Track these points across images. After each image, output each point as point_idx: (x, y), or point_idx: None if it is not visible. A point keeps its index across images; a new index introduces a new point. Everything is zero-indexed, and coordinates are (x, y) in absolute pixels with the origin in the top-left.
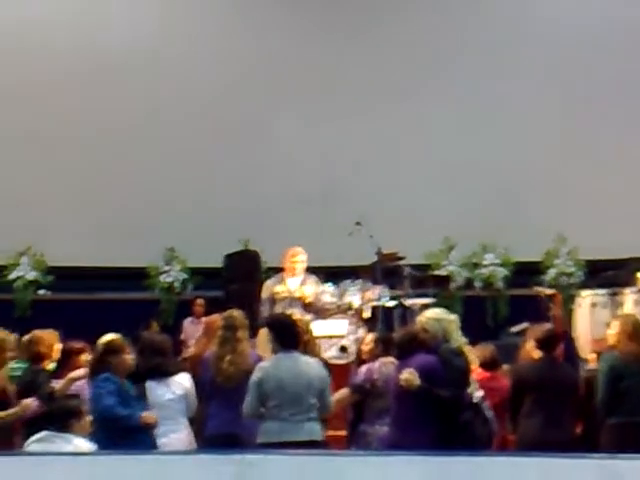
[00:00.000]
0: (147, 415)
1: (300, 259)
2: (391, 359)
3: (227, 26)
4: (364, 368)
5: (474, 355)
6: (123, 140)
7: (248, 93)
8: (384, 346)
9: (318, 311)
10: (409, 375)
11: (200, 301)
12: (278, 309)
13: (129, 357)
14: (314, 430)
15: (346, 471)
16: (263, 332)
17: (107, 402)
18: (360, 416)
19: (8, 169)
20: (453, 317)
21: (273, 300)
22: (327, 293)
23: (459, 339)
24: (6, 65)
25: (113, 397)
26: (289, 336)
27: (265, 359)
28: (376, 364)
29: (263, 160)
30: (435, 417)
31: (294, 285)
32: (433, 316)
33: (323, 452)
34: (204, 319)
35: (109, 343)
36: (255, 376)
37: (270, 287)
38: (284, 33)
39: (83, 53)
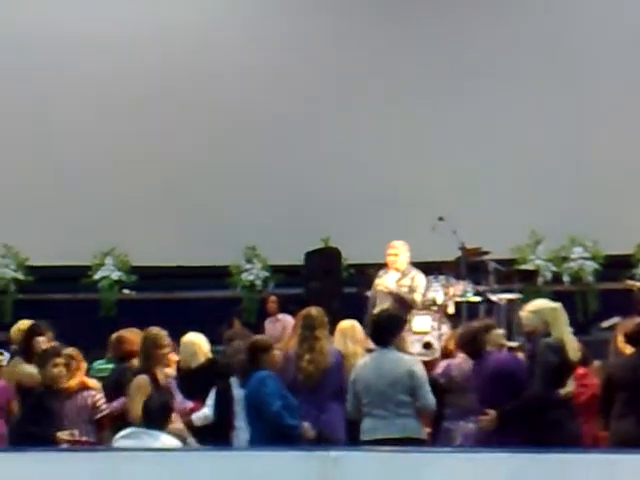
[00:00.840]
0: (306, 428)
1: (392, 252)
2: None
3: (299, 28)
4: (444, 363)
5: (576, 344)
6: (204, 142)
7: (323, 91)
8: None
9: (407, 305)
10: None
11: (273, 298)
12: (375, 303)
13: (278, 353)
14: (408, 427)
15: (430, 468)
16: (341, 328)
17: (276, 407)
18: (441, 413)
19: (93, 171)
20: (555, 305)
21: (375, 294)
22: (419, 292)
23: (562, 329)
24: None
25: (278, 400)
26: (381, 332)
27: (352, 357)
28: (456, 360)
29: (344, 157)
30: (523, 416)
31: (391, 279)
32: (532, 308)
33: (409, 449)
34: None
35: (258, 341)
36: (351, 375)
37: (375, 281)
38: (359, 37)
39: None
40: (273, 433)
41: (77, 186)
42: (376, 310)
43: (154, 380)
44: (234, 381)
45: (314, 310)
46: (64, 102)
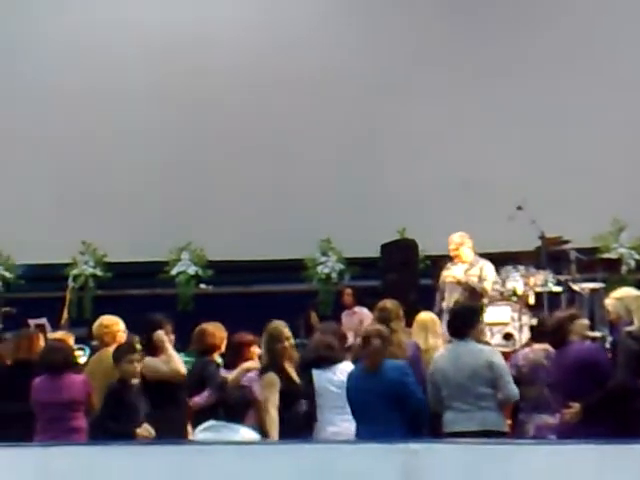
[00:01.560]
0: None
1: (452, 247)
2: (545, 346)
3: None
4: (517, 354)
5: None
6: (283, 136)
7: (399, 81)
8: (538, 332)
9: (477, 296)
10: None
11: (349, 290)
12: (443, 295)
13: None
14: (488, 420)
15: (512, 460)
16: (420, 320)
17: (421, 395)
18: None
19: (169, 167)
20: (639, 293)
21: (443, 286)
22: (490, 280)
23: None
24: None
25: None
26: (458, 324)
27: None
28: (525, 350)
29: (418, 147)
30: (608, 407)
31: (459, 270)
32: (616, 295)
33: (491, 441)
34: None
35: (377, 330)
36: (429, 368)
37: (442, 273)
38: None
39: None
40: (411, 423)
41: (153, 183)
42: (448, 302)
43: (282, 374)
44: (318, 373)
45: (389, 303)
46: (141, 99)
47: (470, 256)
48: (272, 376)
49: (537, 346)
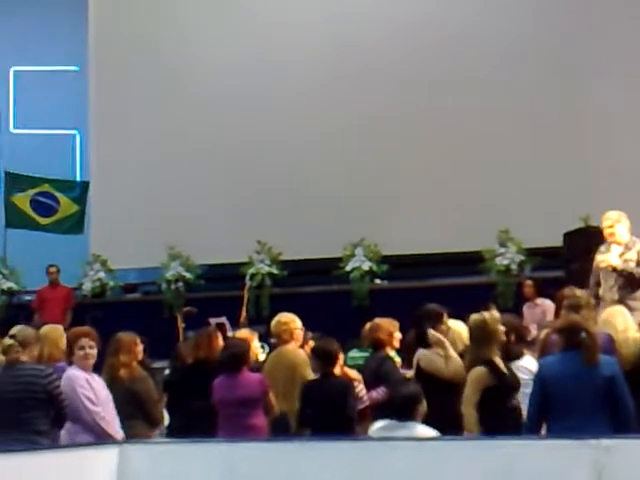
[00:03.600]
0: None
1: (607, 224)
2: None
3: None
4: None
5: None
6: (459, 133)
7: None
8: None
9: (637, 282)
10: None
11: (529, 282)
12: (597, 281)
13: None
14: None
15: None
16: (611, 312)
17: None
18: None
19: (339, 166)
20: None
21: (597, 271)
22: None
23: None
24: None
25: None
26: None
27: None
28: None
29: (585, 132)
30: None
31: (614, 254)
32: None
33: None
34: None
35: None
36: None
37: (596, 257)
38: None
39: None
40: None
41: (323, 180)
42: (604, 288)
43: (492, 367)
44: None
45: (579, 291)
46: (314, 101)
47: (626, 237)
48: (480, 371)
49: None
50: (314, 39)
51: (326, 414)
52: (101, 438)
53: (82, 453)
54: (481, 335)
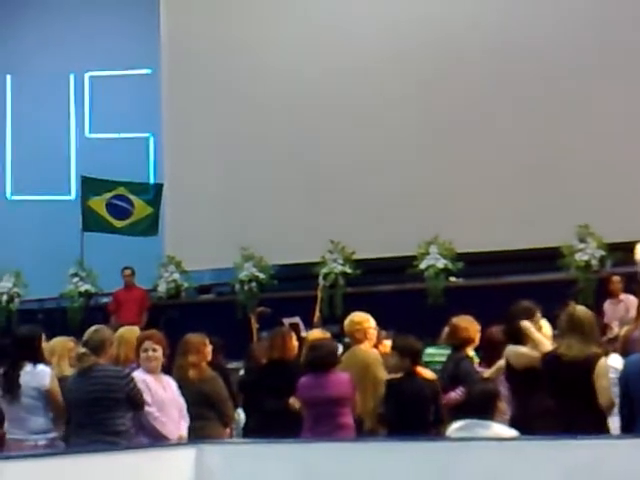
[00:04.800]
0: None
1: None
2: None
3: None
4: None
5: None
6: (536, 129)
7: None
8: None
9: None
10: None
11: (616, 278)
12: None
13: None
14: None
15: None
16: None
17: None
18: None
19: (412, 166)
20: None
21: None
22: None
23: None
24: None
25: None
26: None
27: None
28: None
29: None
30: None
31: None
32: None
33: None
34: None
35: None
36: None
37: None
38: None
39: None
40: None
41: (397, 179)
42: None
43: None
44: None
45: None
46: (391, 102)
47: None
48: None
49: None
50: (388, 42)
51: (409, 414)
52: (155, 439)
53: (159, 454)
54: (589, 328)
